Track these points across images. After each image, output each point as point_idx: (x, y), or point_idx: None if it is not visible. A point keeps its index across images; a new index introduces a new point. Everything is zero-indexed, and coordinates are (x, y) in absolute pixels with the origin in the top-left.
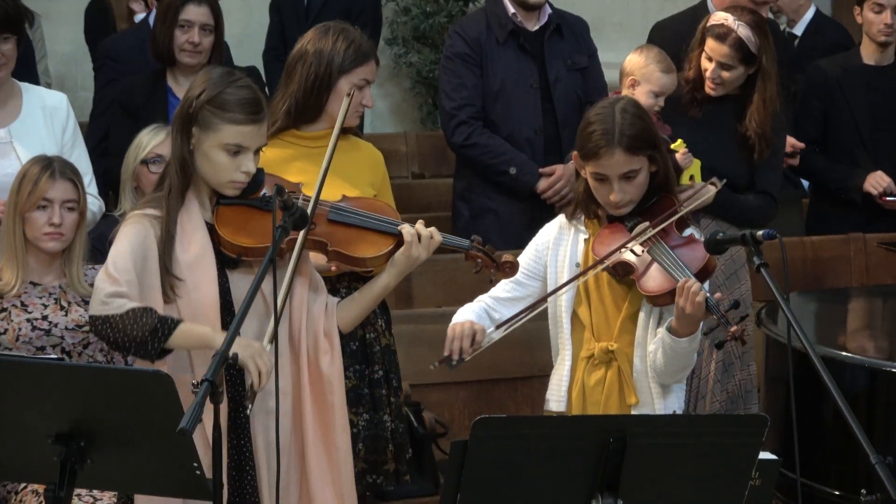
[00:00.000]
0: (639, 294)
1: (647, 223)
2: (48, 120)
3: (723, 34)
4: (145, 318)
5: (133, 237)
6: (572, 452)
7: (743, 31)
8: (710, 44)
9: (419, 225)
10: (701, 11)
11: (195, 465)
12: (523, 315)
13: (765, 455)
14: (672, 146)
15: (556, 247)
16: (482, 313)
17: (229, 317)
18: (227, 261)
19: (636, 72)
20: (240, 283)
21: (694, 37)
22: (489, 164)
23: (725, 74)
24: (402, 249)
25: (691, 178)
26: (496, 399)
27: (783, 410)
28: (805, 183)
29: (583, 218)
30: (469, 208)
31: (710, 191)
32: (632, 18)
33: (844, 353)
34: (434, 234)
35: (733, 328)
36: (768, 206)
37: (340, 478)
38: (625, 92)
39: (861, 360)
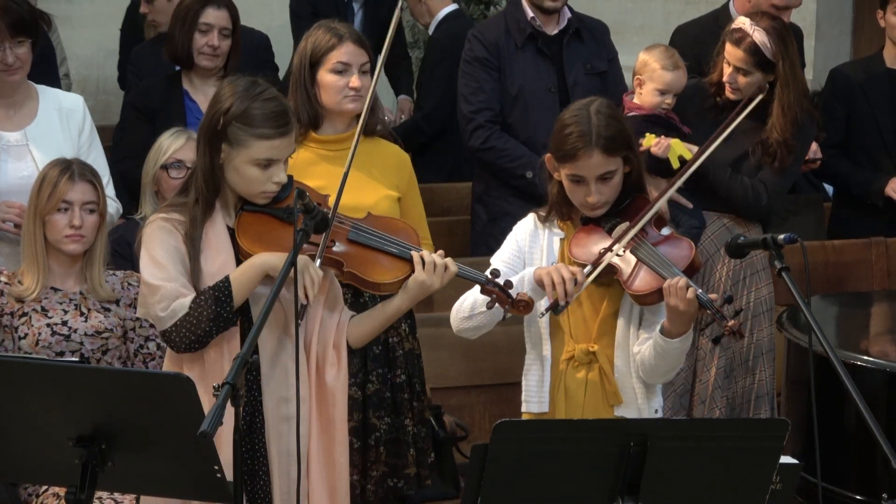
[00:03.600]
0: (617, 294)
1: (626, 223)
2: (64, 122)
3: (739, 39)
4: (203, 297)
5: (164, 239)
6: (593, 456)
7: (759, 36)
8: (728, 48)
9: (434, 255)
10: (722, 15)
11: (216, 468)
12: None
13: (786, 459)
14: (643, 144)
15: (532, 245)
16: None
17: (248, 324)
18: None
19: (641, 71)
20: (257, 291)
21: (716, 40)
22: (506, 167)
23: (742, 79)
24: (413, 277)
25: (680, 157)
26: (517, 402)
27: (804, 414)
28: (829, 188)
29: (555, 220)
30: (487, 211)
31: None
32: (653, 22)
33: (866, 357)
34: (449, 266)
35: (731, 322)
36: (754, 193)
37: (337, 493)
38: (636, 93)
39: (882, 364)
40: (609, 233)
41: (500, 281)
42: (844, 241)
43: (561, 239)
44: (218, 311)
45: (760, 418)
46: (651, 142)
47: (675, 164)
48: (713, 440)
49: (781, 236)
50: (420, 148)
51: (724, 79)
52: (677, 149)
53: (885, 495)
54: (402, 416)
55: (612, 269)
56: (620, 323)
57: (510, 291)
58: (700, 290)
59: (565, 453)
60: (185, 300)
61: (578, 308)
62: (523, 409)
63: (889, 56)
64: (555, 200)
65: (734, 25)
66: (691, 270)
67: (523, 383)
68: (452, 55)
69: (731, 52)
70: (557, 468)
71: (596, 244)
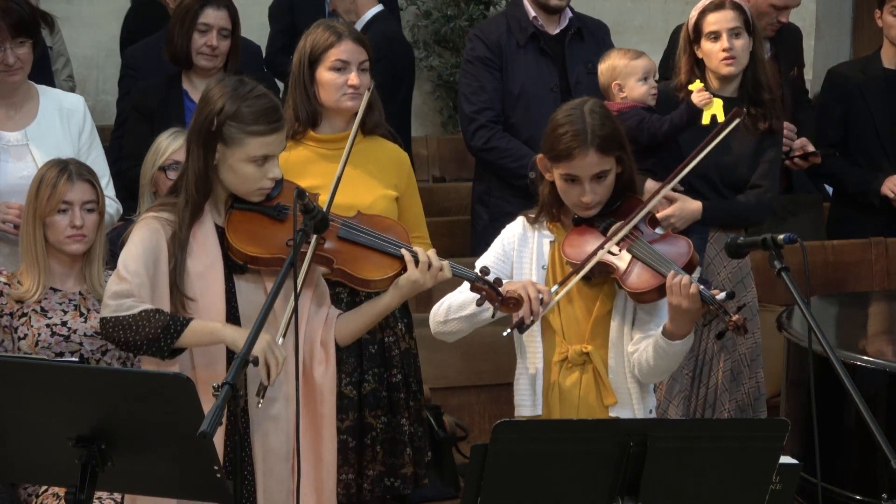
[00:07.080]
0: (610, 294)
1: (620, 223)
2: (65, 122)
3: (719, 4)
4: (157, 316)
5: (146, 240)
6: (593, 456)
7: None
8: (712, 18)
9: (428, 253)
10: None
11: (215, 468)
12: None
13: (785, 459)
14: (689, 87)
15: (521, 248)
16: None
17: (234, 323)
18: (234, 266)
19: (613, 76)
20: (246, 289)
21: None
22: (509, 167)
23: (738, 42)
24: (405, 275)
25: (713, 117)
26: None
27: (804, 414)
28: (829, 188)
29: (545, 221)
30: (488, 212)
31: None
32: (653, 22)
33: (865, 357)
34: (444, 268)
35: (734, 317)
36: (760, 200)
37: (324, 491)
38: (618, 99)
39: (882, 364)
40: (603, 233)
41: (490, 278)
42: (844, 242)
43: (551, 241)
44: (158, 336)
45: (760, 418)
46: (698, 86)
47: (706, 121)
48: (713, 440)
49: (781, 236)
50: None
51: (723, 47)
52: (716, 107)
53: (884, 495)
54: (398, 416)
55: (607, 269)
56: (614, 323)
57: (499, 289)
58: (703, 287)
59: (565, 453)
60: (138, 304)
61: (570, 308)
62: (516, 413)
63: (886, 56)
64: (545, 201)
65: (701, 6)
66: (689, 268)
67: (515, 388)
68: (387, 56)
69: (720, 18)
70: (557, 468)
71: (589, 244)
